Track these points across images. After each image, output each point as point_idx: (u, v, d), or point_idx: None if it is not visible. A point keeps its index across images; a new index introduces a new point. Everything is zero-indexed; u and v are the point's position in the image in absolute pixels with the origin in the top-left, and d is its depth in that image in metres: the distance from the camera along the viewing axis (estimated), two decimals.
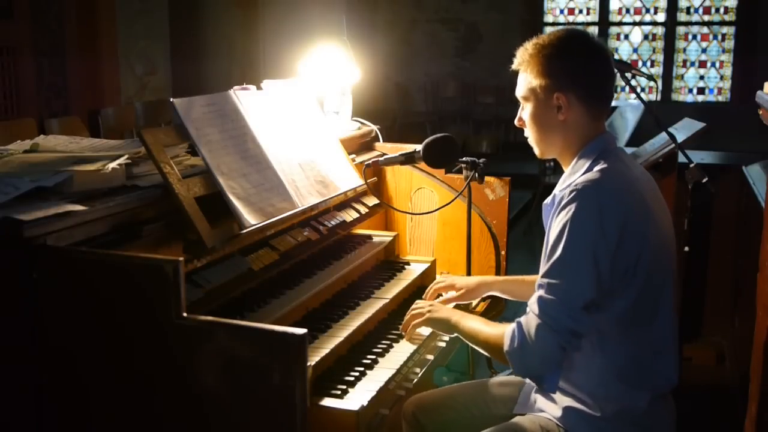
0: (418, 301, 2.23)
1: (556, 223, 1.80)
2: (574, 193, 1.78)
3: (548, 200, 1.95)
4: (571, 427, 1.87)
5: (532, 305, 1.80)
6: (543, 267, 1.83)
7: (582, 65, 1.90)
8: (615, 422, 1.85)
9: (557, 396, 1.90)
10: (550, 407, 1.92)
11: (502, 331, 1.85)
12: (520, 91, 1.97)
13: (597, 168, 1.84)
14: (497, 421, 2.01)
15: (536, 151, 2.01)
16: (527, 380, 2.05)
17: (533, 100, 1.93)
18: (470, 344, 2.05)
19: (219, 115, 2.08)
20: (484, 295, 2.40)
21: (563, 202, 1.79)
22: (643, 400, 1.86)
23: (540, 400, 1.96)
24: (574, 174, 1.89)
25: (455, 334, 2.07)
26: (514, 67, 1.99)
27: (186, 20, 8.03)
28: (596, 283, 1.76)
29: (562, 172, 2.00)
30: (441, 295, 2.38)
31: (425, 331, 2.19)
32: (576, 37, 1.93)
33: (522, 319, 1.82)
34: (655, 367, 1.88)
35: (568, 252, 1.76)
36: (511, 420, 1.99)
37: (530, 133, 1.98)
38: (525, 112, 1.97)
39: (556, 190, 1.91)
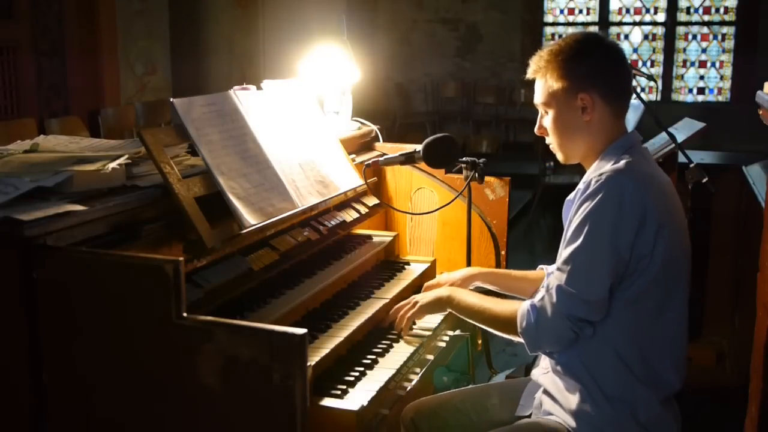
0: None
1: (580, 211, 1.82)
2: (599, 182, 1.81)
3: (571, 196, 1.96)
4: (580, 430, 1.87)
5: (551, 291, 1.84)
6: (563, 252, 1.85)
7: (601, 64, 1.93)
8: (624, 426, 1.85)
9: (566, 398, 1.90)
10: (558, 410, 1.91)
11: (514, 309, 1.92)
12: (540, 97, 1.97)
13: (623, 161, 1.87)
14: (498, 426, 2.00)
15: (560, 156, 2.02)
16: (531, 381, 2.05)
17: (555, 105, 1.94)
18: (467, 319, 2.10)
19: (219, 115, 2.08)
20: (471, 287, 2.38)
21: (589, 191, 1.82)
22: (649, 400, 1.86)
23: (546, 402, 1.95)
24: (600, 169, 1.89)
25: (448, 311, 2.14)
26: (529, 75, 2.00)
27: (186, 20, 8.02)
28: (615, 271, 1.80)
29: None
30: None
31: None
32: (591, 39, 1.97)
33: (537, 302, 1.87)
34: (660, 364, 1.87)
35: (589, 242, 1.80)
36: (518, 422, 1.99)
37: (553, 139, 1.99)
38: (546, 119, 1.98)
39: (580, 184, 1.92)
